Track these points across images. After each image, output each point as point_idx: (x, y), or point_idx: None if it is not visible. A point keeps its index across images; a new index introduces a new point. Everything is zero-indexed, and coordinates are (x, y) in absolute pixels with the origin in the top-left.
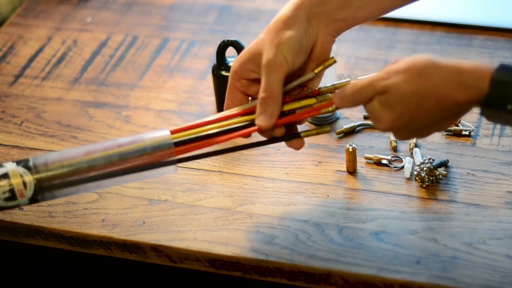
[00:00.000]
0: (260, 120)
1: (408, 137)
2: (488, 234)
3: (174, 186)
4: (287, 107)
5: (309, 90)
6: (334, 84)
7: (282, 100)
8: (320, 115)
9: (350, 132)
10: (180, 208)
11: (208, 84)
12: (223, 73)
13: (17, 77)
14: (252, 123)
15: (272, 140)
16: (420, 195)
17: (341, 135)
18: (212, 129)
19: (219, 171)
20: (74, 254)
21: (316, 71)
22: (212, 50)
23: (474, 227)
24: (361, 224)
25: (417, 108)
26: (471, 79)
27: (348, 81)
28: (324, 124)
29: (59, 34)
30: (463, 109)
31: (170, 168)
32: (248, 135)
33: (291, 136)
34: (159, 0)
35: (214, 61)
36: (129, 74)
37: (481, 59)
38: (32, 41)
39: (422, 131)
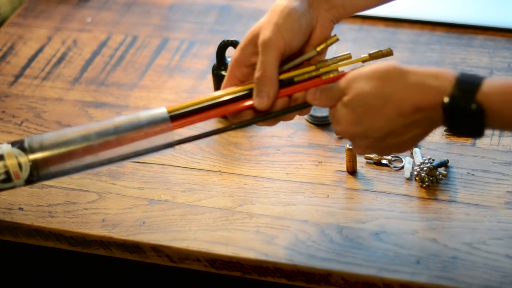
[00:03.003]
0: (257, 102)
1: (365, 149)
2: (488, 234)
3: (174, 186)
4: (285, 76)
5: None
6: (335, 57)
7: (278, 79)
8: (320, 115)
9: None
10: (180, 208)
11: (208, 84)
12: (223, 73)
13: (17, 77)
14: (250, 93)
15: (280, 111)
16: (420, 195)
17: None
18: (211, 99)
19: (219, 171)
20: (74, 254)
21: (318, 49)
22: (212, 50)
23: (474, 227)
24: (361, 224)
25: (377, 113)
26: (435, 81)
27: (349, 53)
28: (323, 124)
29: (59, 34)
30: (426, 117)
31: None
32: (245, 109)
33: (300, 106)
34: (159, 0)
35: (214, 61)
36: (129, 74)
37: (481, 59)
38: (32, 41)
39: (381, 141)
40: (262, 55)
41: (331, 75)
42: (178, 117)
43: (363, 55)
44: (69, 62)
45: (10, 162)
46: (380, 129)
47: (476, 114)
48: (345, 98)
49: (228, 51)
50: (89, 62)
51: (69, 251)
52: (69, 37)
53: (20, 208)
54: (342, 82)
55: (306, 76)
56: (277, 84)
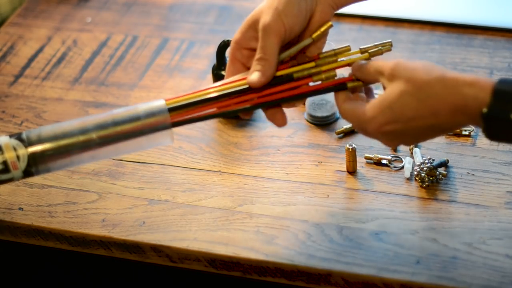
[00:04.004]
0: (252, 76)
1: (397, 143)
2: (488, 234)
3: (174, 186)
4: (284, 71)
5: (307, 58)
6: (334, 49)
7: (278, 64)
8: (320, 115)
9: (350, 132)
10: (180, 208)
11: (208, 84)
12: (223, 73)
13: (17, 77)
14: (249, 88)
15: (280, 99)
16: (420, 195)
17: (341, 135)
18: (209, 93)
19: (219, 171)
20: (74, 254)
21: (313, 36)
22: (212, 50)
23: (474, 227)
24: (361, 224)
25: (414, 114)
26: (472, 90)
27: (348, 46)
28: (323, 124)
29: (59, 34)
30: (461, 121)
31: (167, 138)
32: (244, 102)
33: (303, 95)
34: (159, 0)
35: (214, 61)
36: (129, 74)
37: (481, 59)
38: (32, 41)
39: (412, 138)
40: (262, 40)
41: (331, 80)
42: (176, 109)
43: (361, 46)
44: (69, 62)
45: (8, 153)
46: (413, 129)
47: None
48: (384, 97)
49: (228, 51)
50: (89, 62)
51: (69, 251)
52: (69, 37)
53: (20, 208)
54: (385, 69)
55: (306, 72)
56: (275, 66)
